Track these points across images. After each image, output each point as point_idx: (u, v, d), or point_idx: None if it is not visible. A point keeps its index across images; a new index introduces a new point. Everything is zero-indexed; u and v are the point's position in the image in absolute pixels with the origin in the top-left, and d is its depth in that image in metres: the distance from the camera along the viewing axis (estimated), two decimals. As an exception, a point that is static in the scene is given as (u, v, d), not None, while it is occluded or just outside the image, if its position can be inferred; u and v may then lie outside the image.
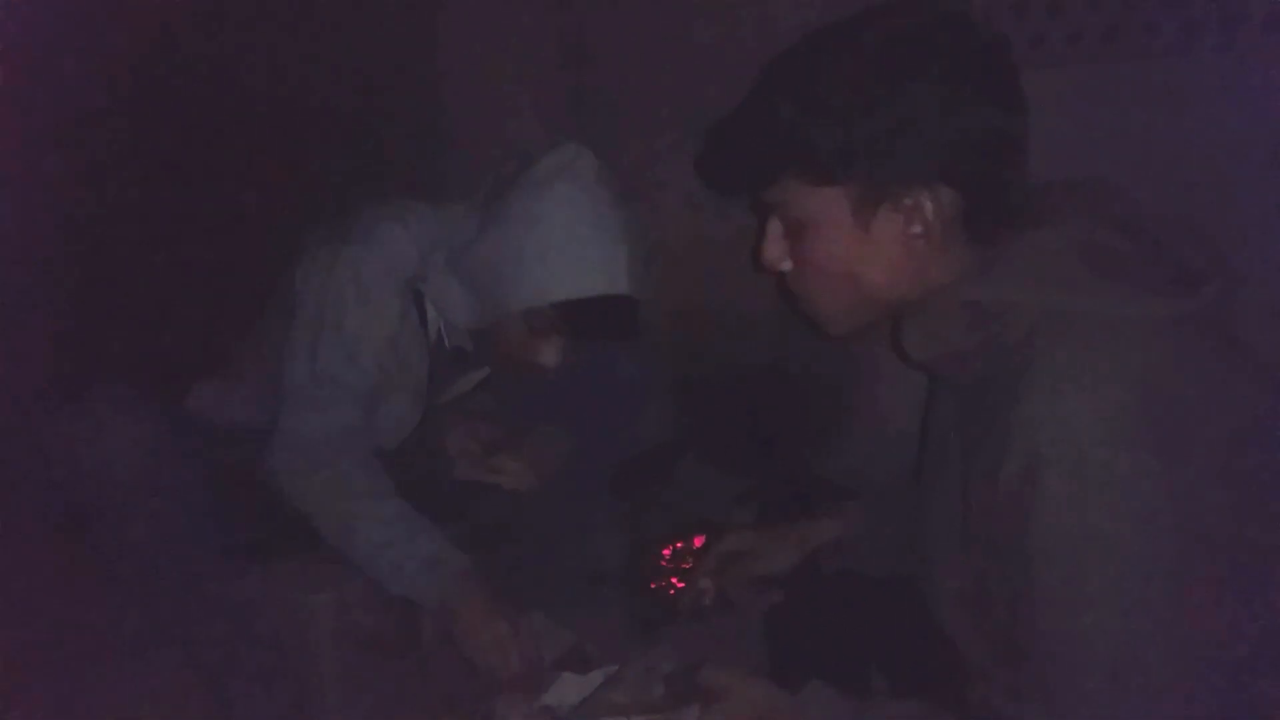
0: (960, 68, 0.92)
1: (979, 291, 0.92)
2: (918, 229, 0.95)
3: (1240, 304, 0.95)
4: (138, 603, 1.56)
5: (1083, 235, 0.91)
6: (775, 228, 1.03)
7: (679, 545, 1.83)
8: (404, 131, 2.29)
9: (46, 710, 1.58)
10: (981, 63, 0.94)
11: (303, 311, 1.51)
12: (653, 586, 1.83)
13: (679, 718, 1.06)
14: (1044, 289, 0.89)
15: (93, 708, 1.61)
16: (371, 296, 1.49)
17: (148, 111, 1.85)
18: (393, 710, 1.61)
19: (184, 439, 1.48)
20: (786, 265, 1.04)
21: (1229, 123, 1.53)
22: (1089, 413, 0.82)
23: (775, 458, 1.99)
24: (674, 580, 1.82)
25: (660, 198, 1.92)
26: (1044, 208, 0.96)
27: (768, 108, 0.98)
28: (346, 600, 1.57)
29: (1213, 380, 0.87)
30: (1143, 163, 1.56)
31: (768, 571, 1.22)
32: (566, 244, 1.39)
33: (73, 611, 1.73)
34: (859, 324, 1.04)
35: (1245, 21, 1.52)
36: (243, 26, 1.97)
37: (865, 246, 0.97)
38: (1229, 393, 0.87)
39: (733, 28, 1.95)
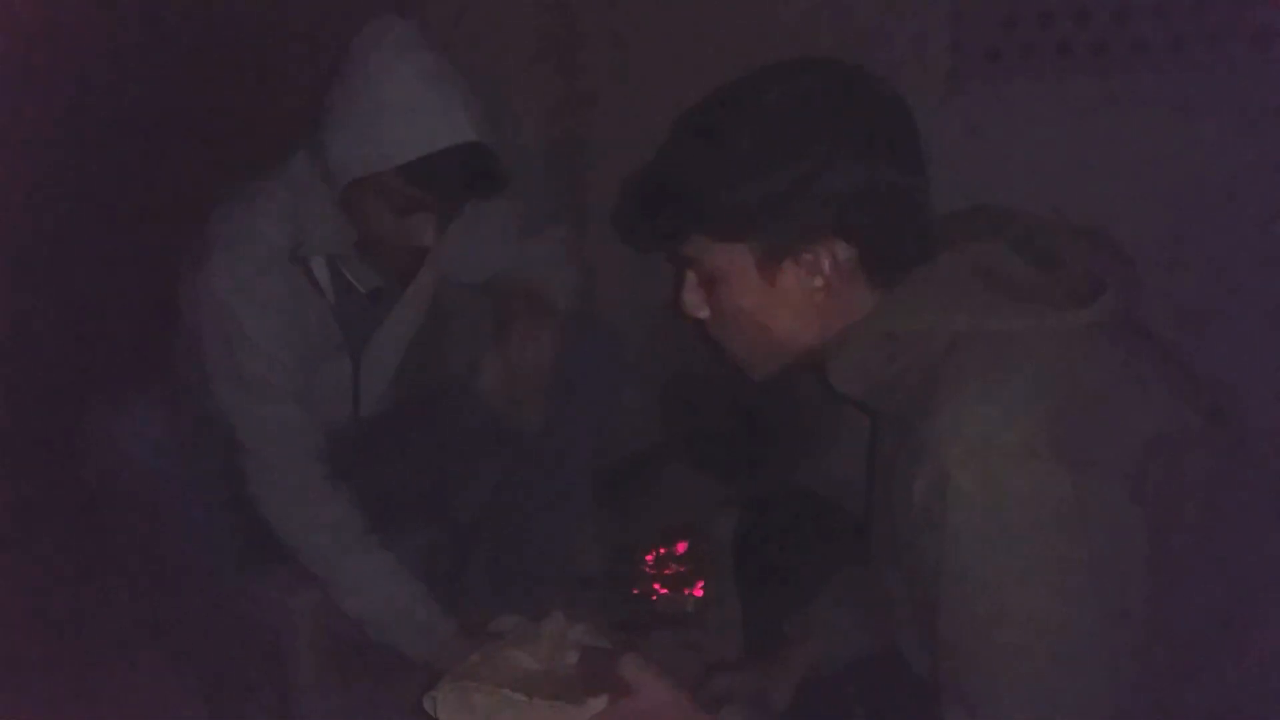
0: (856, 126, 0.96)
1: (890, 323, 0.96)
2: (818, 282, 0.98)
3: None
4: (138, 600, 1.57)
5: (980, 259, 0.94)
6: (691, 278, 1.07)
7: (662, 551, 1.84)
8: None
9: (40, 707, 1.57)
10: (877, 120, 0.97)
11: (203, 334, 1.48)
12: (635, 591, 1.84)
13: (583, 708, 0.99)
14: (948, 314, 0.92)
15: (85, 705, 1.60)
16: (256, 292, 1.44)
17: (153, 109, 1.85)
18: (372, 711, 1.61)
19: (200, 438, 1.48)
20: (704, 313, 1.07)
21: (1215, 133, 1.54)
22: (992, 426, 0.84)
23: (759, 465, 1.99)
24: (656, 585, 1.82)
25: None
26: (944, 237, 0.99)
27: (672, 168, 1.02)
28: (326, 601, 1.56)
29: (1121, 389, 0.89)
30: (1094, 172, 1.60)
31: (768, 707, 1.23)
32: (397, 104, 1.32)
33: (71, 608, 1.74)
34: (775, 368, 1.07)
35: (1232, 36, 1.52)
36: (232, 23, 1.97)
37: (771, 298, 1.00)
38: (1139, 400, 0.89)
39: (726, 26, 1.96)
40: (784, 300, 0.99)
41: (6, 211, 1.65)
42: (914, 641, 1.03)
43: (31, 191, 1.70)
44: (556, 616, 1.13)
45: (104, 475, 1.42)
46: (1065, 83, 1.67)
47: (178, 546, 1.47)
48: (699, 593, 1.81)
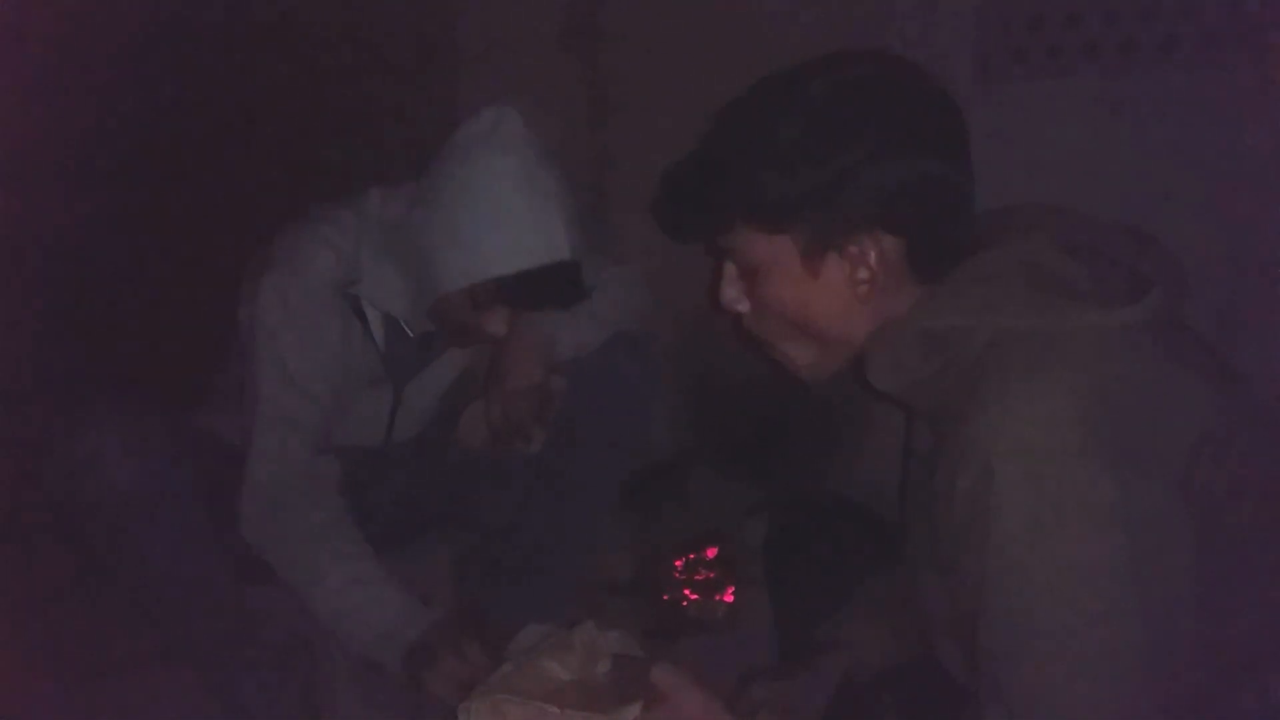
0: (902, 119, 0.96)
1: (932, 320, 0.95)
2: (863, 274, 0.97)
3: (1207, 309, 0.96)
4: (141, 614, 1.56)
5: (1025, 256, 0.94)
6: (731, 270, 1.06)
7: (691, 556, 1.83)
8: (419, 138, 2.29)
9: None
10: (924, 113, 0.97)
11: (247, 349, 1.48)
12: (665, 597, 1.83)
13: (616, 717, 1.00)
14: (991, 311, 0.91)
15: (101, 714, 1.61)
16: (304, 322, 1.45)
17: (155, 114, 1.85)
18: (400, 713, 1.61)
19: (184, 453, 1.47)
20: (743, 306, 1.06)
21: (1247, 131, 1.52)
22: (1038, 425, 0.84)
23: (787, 470, 1.98)
24: (686, 591, 1.81)
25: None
26: (987, 234, 0.98)
27: (717, 157, 1.01)
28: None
29: (1167, 388, 0.88)
30: (1124, 172, 1.58)
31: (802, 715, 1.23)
32: (501, 217, 1.33)
33: (76, 623, 1.75)
34: (826, 366, 1.05)
35: (1263, 32, 1.51)
36: (262, 28, 1.98)
37: (814, 291, 0.99)
38: (1185, 400, 0.88)
39: (749, 27, 1.96)
40: (827, 293, 0.99)
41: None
42: (952, 645, 1.03)
43: (28, 200, 1.71)
44: (588, 626, 1.13)
45: (74, 489, 1.40)
46: (1093, 82, 1.66)
47: (178, 559, 1.45)
48: (729, 598, 1.80)
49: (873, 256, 0.96)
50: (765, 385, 1.95)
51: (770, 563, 1.48)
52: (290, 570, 1.45)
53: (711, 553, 1.83)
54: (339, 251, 1.46)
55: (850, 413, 1.87)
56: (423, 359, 1.62)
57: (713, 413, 2.12)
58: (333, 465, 1.50)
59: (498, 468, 1.69)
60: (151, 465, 1.40)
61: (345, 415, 1.53)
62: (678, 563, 1.83)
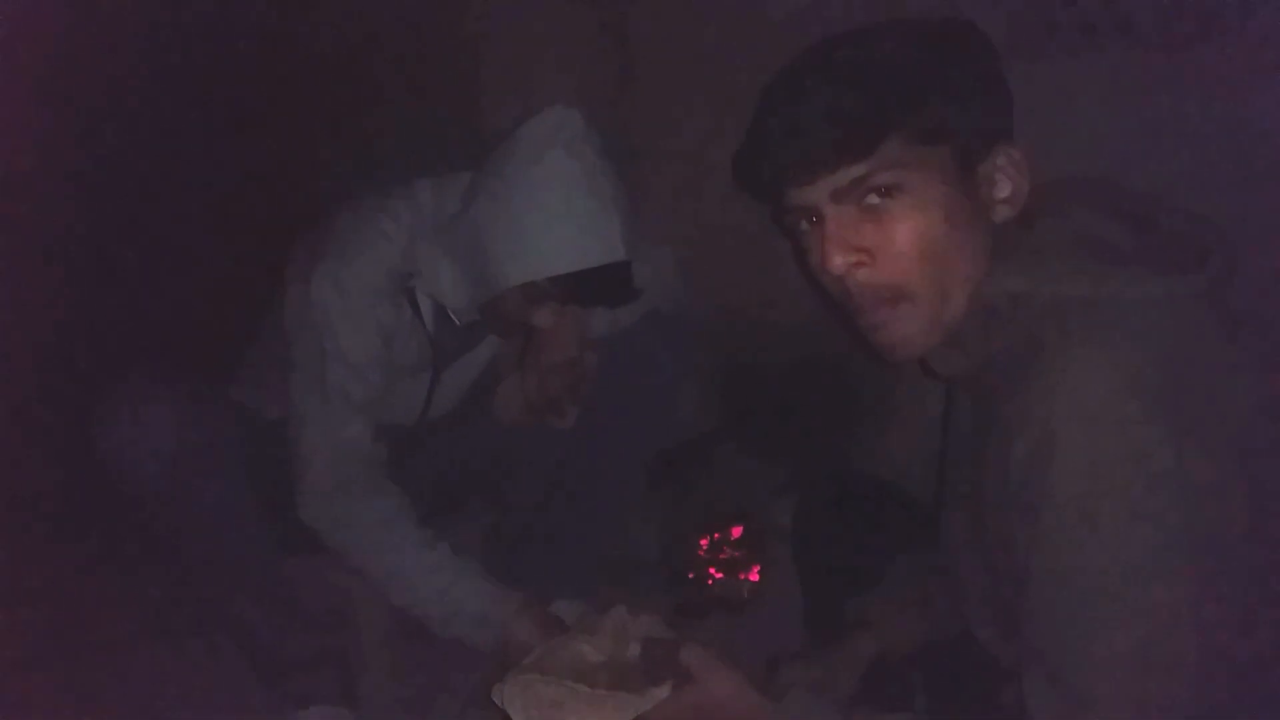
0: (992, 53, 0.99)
1: (988, 287, 0.95)
2: (1003, 192, 0.97)
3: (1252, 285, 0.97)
4: (179, 585, 1.59)
5: (1081, 227, 0.94)
6: (835, 230, 0.97)
7: (717, 535, 1.83)
8: (437, 110, 2.29)
9: (87, 691, 1.61)
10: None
11: (298, 334, 1.50)
12: (691, 576, 1.83)
13: (645, 697, 1.01)
14: (1049, 280, 0.91)
15: (130, 689, 1.64)
16: (359, 309, 1.48)
17: (185, 85, 1.86)
18: (437, 688, 1.64)
19: (221, 425, 1.50)
20: (857, 258, 0.97)
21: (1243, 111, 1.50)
22: (1098, 392, 0.84)
23: (815, 449, 1.98)
24: (712, 570, 1.81)
25: (704, 186, 1.90)
26: (1042, 205, 0.98)
27: (863, 69, 0.95)
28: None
29: (1223, 356, 0.88)
30: (1161, 149, 1.56)
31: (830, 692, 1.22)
32: (562, 217, 1.35)
33: (110, 595, 1.78)
34: (925, 335, 0.98)
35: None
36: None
37: (957, 211, 0.95)
38: (1244, 370, 0.88)
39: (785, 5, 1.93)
40: (966, 215, 0.95)
41: (35, 201, 1.68)
42: (987, 618, 1.02)
43: (63, 181, 1.73)
44: (619, 610, 1.15)
45: (121, 464, 1.43)
46: (1128, 58, 1.63)
47: (211, 534, 1.50)
48: (754, 577, 1.80)
49: (1020, 162, 0.96)
50: (793, 364, 1.95)
51: (799, 542, 1.48)
52: (360, 556, 1.48)
53: (737, 532, 1.83)
54: (394, 243, 1.49)
55: (878, 391, 1.86)
56: (466, 345, 1.64)
57: (741, 391, 2.11)
58: (382, 449, 1.52)
59: (529, 444, 1.70)
60: (195, 436, 1.43)
61: (385, 397, 1.55)
62: (703, 541, 1.84)
